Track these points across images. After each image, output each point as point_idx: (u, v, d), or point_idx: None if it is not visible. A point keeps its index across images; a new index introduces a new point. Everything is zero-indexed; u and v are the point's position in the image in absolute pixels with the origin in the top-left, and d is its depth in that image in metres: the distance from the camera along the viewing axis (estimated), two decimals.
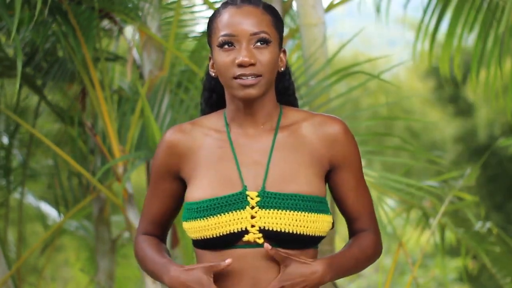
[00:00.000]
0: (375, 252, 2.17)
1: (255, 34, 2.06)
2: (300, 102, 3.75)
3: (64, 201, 4.64)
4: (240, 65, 2.04)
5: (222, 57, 2.07)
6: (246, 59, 2.04)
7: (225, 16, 2.08)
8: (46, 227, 5.72)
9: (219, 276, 2.07)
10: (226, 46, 2.06)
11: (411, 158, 4.23)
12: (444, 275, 4.51)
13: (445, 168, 4.49)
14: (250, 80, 2.05)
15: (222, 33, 2.07)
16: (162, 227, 2.25)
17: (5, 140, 4.95)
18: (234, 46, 2.06)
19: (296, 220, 2.05)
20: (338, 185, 2.16)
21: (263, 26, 2.07)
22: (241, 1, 2.10)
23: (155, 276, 2.16)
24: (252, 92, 2.06)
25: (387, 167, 9.74)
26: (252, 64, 2.05)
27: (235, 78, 2.05)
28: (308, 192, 2.08)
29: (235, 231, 2.05)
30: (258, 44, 2.06)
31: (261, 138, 2.14)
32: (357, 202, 2.17)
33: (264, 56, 2.06)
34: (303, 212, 2.06)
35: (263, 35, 2.06)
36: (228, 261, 2.01)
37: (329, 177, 2.16)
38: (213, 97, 2.26)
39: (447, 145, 11.71)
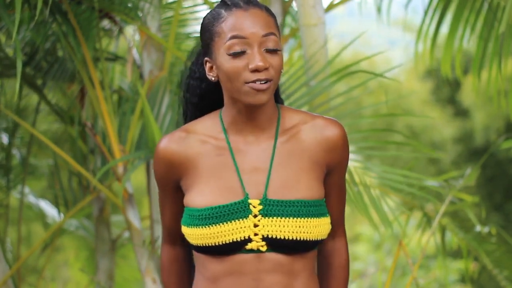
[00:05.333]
0: (348, 265, 2.20)
1: (266, 35, 2.03)
2: (299, 102, 3.75)
3: (64, 201, 4.63)
4: (255, 70, 2.01)
5: (232, 63, 2.02)
6: (261, 63, 2.00)
7: (232, 19, 2.03)
8: (46, 227, 5.71)
9: (222, 279, 2.06)
10: (236, 53, 2.01)
11: (411, 158, 4.23)
12: (445, 276, 4.51)
13: (445, 167, 4.49)
14: (262, 85, 2.02)
15: (231, 35, 2.02)
16: (181, 234, 2.20)
17: (5, 139, 4.95)
18: (245, 52, 2.02)
19: (299, 227, 2.04)
20: (326, 184, 2.16)
21: (272, 28, 2.05)
22: (245, 3, 2.06)
23: None
24: (263, 97, 2.03)
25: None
26: (266, 68, 2.02)
27: (248, 83, 2.02)
28: (309, 197, 2.07)
29: (238, 239, 2.04)
30: (269, 49, 2.03)
31: (261, 144, 2.11)
32: (338, 200, 2.18)
33: (275, 60, 2.03)
34: (305, 218, 2.05)
35: (273, 37, 2.04)
36: None
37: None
38: (204, 102, 2.23)
39: (447, 146, 11.72)
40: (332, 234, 2.19)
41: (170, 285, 2.26)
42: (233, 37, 2.02)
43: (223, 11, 2.06)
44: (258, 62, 2.00)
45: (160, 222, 2.30)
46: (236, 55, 2.02)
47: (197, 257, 2.12)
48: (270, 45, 2.03)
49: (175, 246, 2.25)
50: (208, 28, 2.08)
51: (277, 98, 2.23)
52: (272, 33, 2.04)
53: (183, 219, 2.10)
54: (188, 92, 2.22)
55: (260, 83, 2.01)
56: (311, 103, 3.75)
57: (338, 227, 2.20)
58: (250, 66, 2.01)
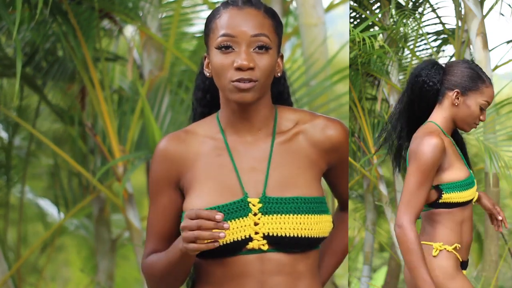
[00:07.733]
0: (347, 235, 2.34)
1: (255, 36, 2.02)
2: (300, 103, 3.75)
3: (64, 201, 4.64)
4: (239, 69, 2.01)
5: (220, 59, 2.02)
6: (245, 62, 2.00)
7: (226, 17, 2.04)
8: (46, 227, 5.71)
9: (225, 283, 2.04)
10: (224, 49, 2.02)
11: None
12: None
13: None
14: (245, 84, 2.01)
15: (221, 32, 2.02)
16: (171, 242, 2.10)
17: (5, 139, 4.95)
18: (233, 49, 2.02)
19: (299, 224, 2.04)
20: (334, 178, 2.20)
21: (264, 29, 2.04)
22: (243, 2, 2.06)
23: (172, 265, 2.02)
24: (247, 96, 2.02)
25: None
26: (251, 68, 2.01)
27: (232, 81, 2.02)
28: (308, 194, 2.07)
29: (239, 239, 2.02)
30: (258, 49, 2.03)
31: (259, 144, 2.11)
32: (345, 187, 2.26)
33: (263, 61, 2.02)
34: (305, 215, 2.04)
35: (263, 38, 2.03)
36: (226, 225, 1.88)
37: (325, 172, 2.18)
38: (207, 97, 2.23)
39: None
40: (342, 209, 2.35)
41: (153, 258, 2.08)
42: (223, 34, 2.03)
43: (221, 8, 2.08)
44: (242, 61, 2.00)
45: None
46: (224, 51, 2.03)
47: (199, 264, 2.10)
48: (259, 45, 2.03)
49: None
50: (207, 24, 2.11)
51: (285, 103, 2.23)
52: (262, 34, 2.03)
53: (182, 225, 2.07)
54: (198, 88, 2.24)
55: (244, 82, 2.02)
56: (310, 104, 3.75)
57: (346, 204, 2.35)
58: (234, 64, 2.01)
